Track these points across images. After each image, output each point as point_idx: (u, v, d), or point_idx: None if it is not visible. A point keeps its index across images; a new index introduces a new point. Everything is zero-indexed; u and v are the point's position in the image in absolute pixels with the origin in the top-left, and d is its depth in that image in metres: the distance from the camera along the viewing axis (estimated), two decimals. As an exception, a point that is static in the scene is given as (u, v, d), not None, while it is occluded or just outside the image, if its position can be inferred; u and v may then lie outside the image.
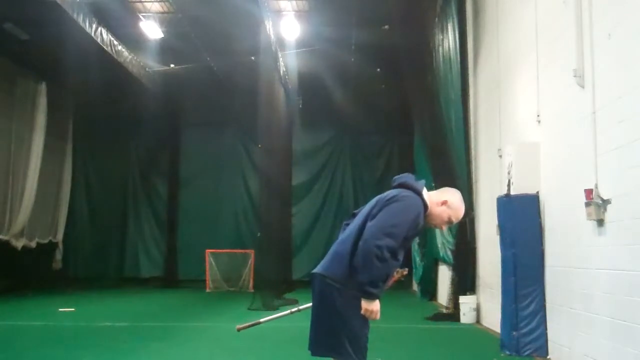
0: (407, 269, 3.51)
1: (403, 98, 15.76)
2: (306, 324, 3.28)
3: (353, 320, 3.08)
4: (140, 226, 20.48)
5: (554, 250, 6.77)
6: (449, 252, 11.79)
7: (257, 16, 12.45)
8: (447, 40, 11.15)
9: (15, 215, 16.34)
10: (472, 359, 7.54)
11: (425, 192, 3.28)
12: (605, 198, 5.32)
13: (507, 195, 7.46)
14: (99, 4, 13.00)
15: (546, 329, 6.91)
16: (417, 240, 15.58)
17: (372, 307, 3.04)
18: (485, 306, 9.92)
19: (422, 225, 3.27)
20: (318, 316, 3.18)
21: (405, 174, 3.38)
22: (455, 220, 3.35)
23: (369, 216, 3.16)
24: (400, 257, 3.14)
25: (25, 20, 13.69)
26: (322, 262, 3.26)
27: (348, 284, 3.09)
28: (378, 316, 3.09)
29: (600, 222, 5.41)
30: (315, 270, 3.25)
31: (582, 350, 5.88)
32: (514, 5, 8.58)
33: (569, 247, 6.30)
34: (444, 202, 3.31)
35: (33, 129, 16.91)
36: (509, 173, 7.52)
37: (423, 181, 3.33)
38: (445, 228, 3.44)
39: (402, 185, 3.27)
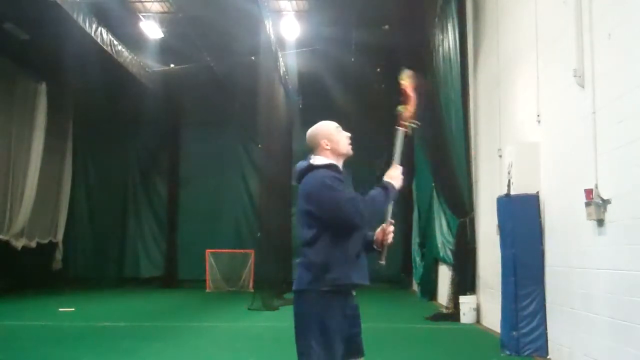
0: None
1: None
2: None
3: (320, 317, 3.01)
4: (140, 226, 20.45)
5: (554, 250, 6.77)
6: (449, 252, 11.79)
7: (257, 16, 12.44)
8: (447, 40, 11.14)
9: (15, 215, 16.32)
10: (472, 359, 7.55)
11: (317, 159, 3.30)
12: (605, 198, 5.32)
13: (507, 195, 7.46)
14: (99, 4, 13.00)
15: (546, 329, 6.91)
16: (417, 240, 15.59)
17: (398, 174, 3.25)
18: (485, 306, 9.92)
19: (344, 173, 3.28)
20: (295, 326, 3.15)
21: (299, 164, 3.40)
22: (343, 133, 3.36)
23: (302, 217, 3.17)
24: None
25: (25, 20, 13.67)
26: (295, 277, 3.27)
27: (313, 284, 3.06)
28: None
29: (600, 222, 5.41)
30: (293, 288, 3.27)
31: (582, 350, 5.88)
32: (514, 5, 8.58)
33: (569, 247, 6.30)
34: (322, 143, 3.35)
35: (33, 129, 16.88)
36: (509, 173, 7.52)
37: (309, 156, 3.34)
38: (349, 142, 3.38)
39: (303, 176, 3.29)
